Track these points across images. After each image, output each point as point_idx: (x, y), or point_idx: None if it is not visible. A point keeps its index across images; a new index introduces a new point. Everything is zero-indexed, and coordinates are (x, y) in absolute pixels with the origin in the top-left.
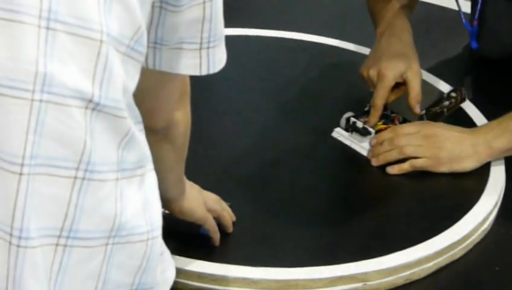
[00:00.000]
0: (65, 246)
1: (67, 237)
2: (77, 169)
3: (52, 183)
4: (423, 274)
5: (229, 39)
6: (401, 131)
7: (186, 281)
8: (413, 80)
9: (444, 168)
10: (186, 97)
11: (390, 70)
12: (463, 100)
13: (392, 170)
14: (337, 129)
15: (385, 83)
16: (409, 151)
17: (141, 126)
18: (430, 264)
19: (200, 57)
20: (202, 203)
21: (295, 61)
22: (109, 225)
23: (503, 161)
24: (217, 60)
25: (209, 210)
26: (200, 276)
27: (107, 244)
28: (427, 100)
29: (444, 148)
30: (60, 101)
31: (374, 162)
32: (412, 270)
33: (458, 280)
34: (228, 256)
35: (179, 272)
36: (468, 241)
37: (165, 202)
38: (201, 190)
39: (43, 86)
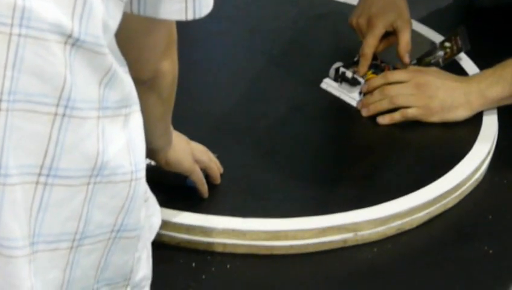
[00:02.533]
0: (45, 184)
1: (48, 175)
2: (57, 105)
3: (32, 120)
4: (415, 224)
5: None
6: (392, 78)
7: (173, 234)
8: (403, 29)
9: (436, 118)
10: (173, 46)
11: (380, 19)
12: (459, 50)
13: (383, 120)
14: (326, 80)
15: (375, 31)
16: (400, 101)
17: (126, 69)
18: (422, 213)
19: (186, 1)
20: (189, 154)
21: (283, 12)
22: (91, 164)
23: (495, 110)
24: (204, 4)
25: (197, 161)
26: (188, 228)
27: (88, 183)
28: (419, 51)
29: (435, 97)
30: (39, 35)
31: (364, 113)
32: (403, 220)
33: (451, 229)
34: (216, 207)
35: (166, 224)
36: (460, 190)
37: (151, 152)
38: (189, 140)
39: (22, 19)
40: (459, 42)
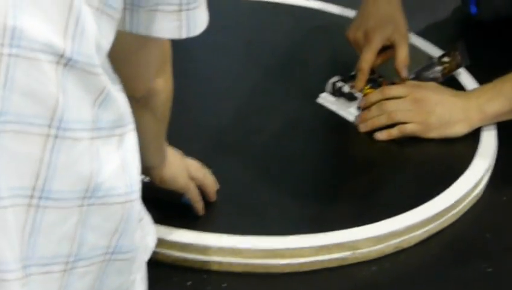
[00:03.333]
0: (38, 206)
1: (40, 197)
2: (50, 126)
3: (24, 141)
4: (413, 242)
5: (213, 2)
6: (389, 93)
7: (169, 252)
8: (400, 43)
9: (434, 134)
10: (167, 64)
11: (377, 33)
12: (459, 65)
13: (381, 135)
14: (323, 94)
15: (372, 45)
16: (398, 117)
17: (120, 87)
18: (420, 231)
19: (180, 20)
20: (184, 171)
21: (280, 25)
22: (84, 186)
23: (494, 126)
24: (198, 22)
25: (192, 178)
26: (184, 246)
27: (82, 205)
28: (417, 65)
29: (434, 113)
30: (30, 55)
31: (362, 128)
32: (402, 238)
33: (449, 247)
34: (212, 225)
35: (161, 242)
36: (459, 208)
37: (146, 169)
38: (184, 157)
39: (12, 39)
40: (458, 57)
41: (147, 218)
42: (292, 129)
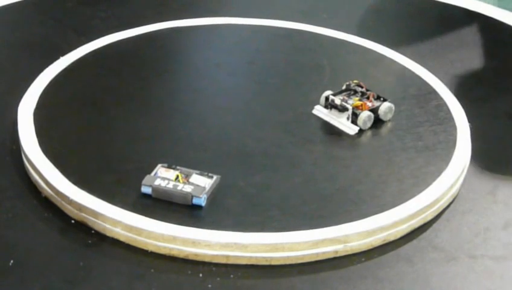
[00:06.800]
0: None
1: None
2: None
3: None
4: (399, 235)
5: (219, 28)
6: None
7: (182, 248)
8: None
9: None
10: None
11: None
12: None
13: None
14: (317, 107)
15: None
16: None
17: None
18: (405, 226)
19: None
20: None
21: (278, 47)
22: None
23: (468, 130)
24: None
25: None
26: (195, 242)
27: None
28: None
29: None
30: None
31: None
32: (388, 232)
33: (429, 239)
34: (220, 223)
35: (175, 239)
36: (438, 205)
37: None
38: None
39: None
40: None
41: None
42: (290, 136)
